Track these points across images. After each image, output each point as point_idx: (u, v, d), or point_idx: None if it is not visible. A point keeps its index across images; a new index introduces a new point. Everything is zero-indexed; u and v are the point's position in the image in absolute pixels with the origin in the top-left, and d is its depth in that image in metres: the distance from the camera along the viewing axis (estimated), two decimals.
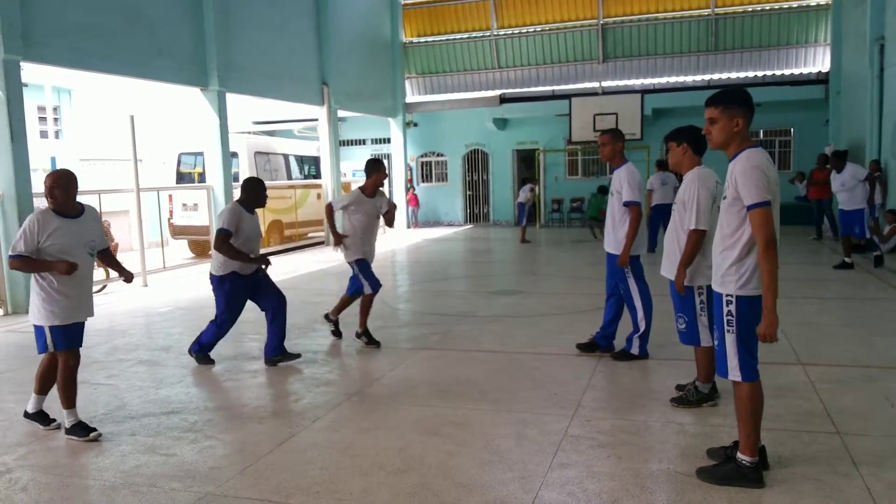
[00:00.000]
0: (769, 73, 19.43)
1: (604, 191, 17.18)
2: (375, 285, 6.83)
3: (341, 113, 18.42)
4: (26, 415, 4.82)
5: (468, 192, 22.76)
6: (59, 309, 4.50)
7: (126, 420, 4.91)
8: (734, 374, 3.58)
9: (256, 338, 7.31)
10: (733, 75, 19.77)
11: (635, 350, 6.00)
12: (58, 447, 4.47)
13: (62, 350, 4.56)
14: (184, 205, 15.24)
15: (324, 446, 4.36)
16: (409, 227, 21.64)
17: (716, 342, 3.68)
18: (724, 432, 4.27)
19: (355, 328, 6.94)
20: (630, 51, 20.75)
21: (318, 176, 18.23)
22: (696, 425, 4.50)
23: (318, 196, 17.78)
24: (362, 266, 6.84)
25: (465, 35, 22.09)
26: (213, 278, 6.18)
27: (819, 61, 19.11)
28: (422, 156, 23.00)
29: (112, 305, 9.63)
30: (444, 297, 9.65)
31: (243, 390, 5.63)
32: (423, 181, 23.13)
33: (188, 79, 12.48)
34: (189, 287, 11.09)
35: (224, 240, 5.87)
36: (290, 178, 17.43)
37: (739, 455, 3.61)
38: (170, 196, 15.30)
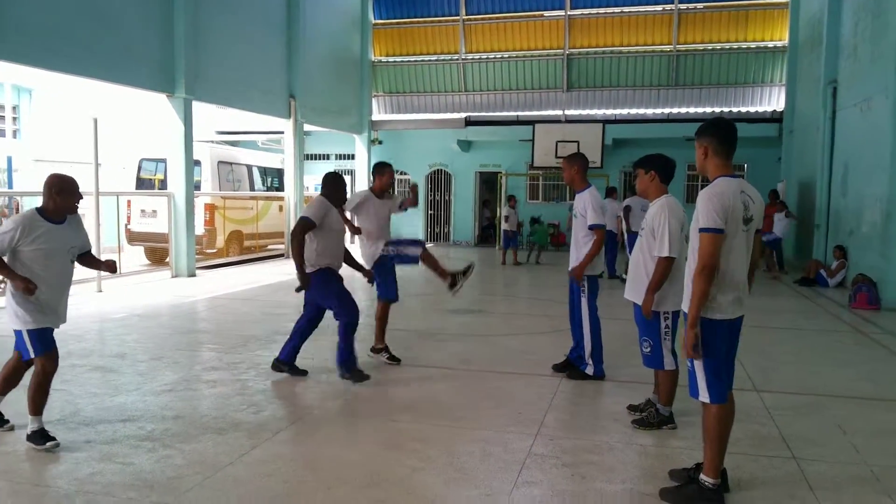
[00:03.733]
0: (726, 109, 20.02)
1: (535, 221, 17.91)
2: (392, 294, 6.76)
3: (307, 127, 18.35)
4: None
5: (430, 212, 22.82)
6: (33, 313, 4.38)
7: (80, 427, 4.77)
8: (703, 395, 3.66)
9: (214, 347, 7.19)
10: (692, 110, 20.32)
11: (590, 371, 6.08)
12: (9, 451, 4.32)
13: (39, 355, 4.44)
14: (142, 211, 14.95)
15: (286, 459, 4.30)
16: None
17: (688, 364, 3.76)
18: (685, 454, 4.35)
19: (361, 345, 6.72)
20: (593, 81, 21.17)
21: (280, 188, 18.10)
22: (657, 447, 4.57)
23: (280, 208, 17.63)
24: (379, 267, 6.68)
25: (434, 57, 22.27)
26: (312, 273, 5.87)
27: (774, 100, 19.77)
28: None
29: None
30: (403, 315, 9.62)
31: (202, 400, 5.52)
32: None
33: (155, 84, 12.30)
34: (145, 294, 10.86)
35: (303, 229, 5.72)
36: (252, 189, 17.26)
37: (702, 477, 3.68)
38: (128, 202, 15.00)
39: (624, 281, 12.17)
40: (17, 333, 4.47)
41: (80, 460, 4.18)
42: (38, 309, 4.41)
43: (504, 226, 16.49)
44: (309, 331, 6.22)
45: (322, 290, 5.93)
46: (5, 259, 4.34)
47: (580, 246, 5.96)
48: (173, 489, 3.82)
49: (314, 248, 5.84)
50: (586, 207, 5.89)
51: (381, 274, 6.67)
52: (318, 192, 6.10)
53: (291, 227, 16.96)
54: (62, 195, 4.46)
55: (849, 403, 5.55)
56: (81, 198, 4.64)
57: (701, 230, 3.50)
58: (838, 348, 7.66)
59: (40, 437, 4.40)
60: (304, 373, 6.20)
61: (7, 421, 4.65)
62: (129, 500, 3.67)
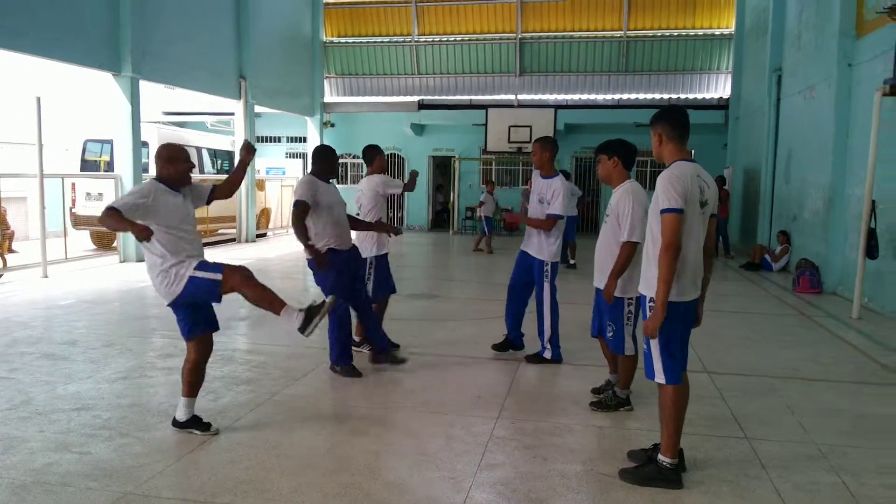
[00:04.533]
0: (675, 95, 20.43)
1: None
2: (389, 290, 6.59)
3: (258, 109, 18.04)
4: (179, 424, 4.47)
5: None
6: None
7: (33, 416, 4.64)
8: (659, 376, 3.76)
9: (167, 334, 7.05)
10: (641, 96, 20.67)
11: (548, 354, 6.18)
12: None
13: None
14: (87, 194, 14.50)
15: (248, 445, 4.26)
16: None
17: (643, 345, 3.85)
18: (642, 435, 4.47)
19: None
20: (545, 66, 21.32)
21: (230, 171, 17.75)
22: (615, 428, 4.68)
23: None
24: (381, 264, 6.51)
25: (387, 39, 22.10)
26: (310, 262, 5.56)
27: (721, 87, 20.25)
28: (338, 157, 22.76)
29: (10, 295, 9.06)
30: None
31: (158, 387, 5.42)
32: (338, 183, 22.86)
33: (100, 63, 11.90)
34: (92, 279, 10.57)
35: (301, 214, 5.43)
36: (202, 172, 16.90)
37: (660, 457, 3.79)
38: (73, 184, 14.53)
39: (569, 267, 12.44)
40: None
41: (35, 450, 4.07)
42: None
43: (480, 211, 16.36)
44: (357, 310, 5.88)
45: (319, 275, 5.65)
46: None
47: (542, 231, 6.00)
48: (134, 478, 3.76)
49: (312, 230, 5.56)
50: (555, 196, 5.91)
51: (384, 269, 6.56)
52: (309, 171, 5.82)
53: (242, 209, 16.80)
54: (173, 163, 4.31)
55: (796, 384, 5.77)
56: (193, 165, 4.52)
57: (663, 211, 3.57)
58: (784, 331, 7.94)
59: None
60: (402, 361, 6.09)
61: (208, 424, 4.50)
62: (88, 490, 3.60)
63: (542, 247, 6.01)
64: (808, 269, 10.61)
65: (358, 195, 6.68)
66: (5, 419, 4.56)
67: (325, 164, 5.70)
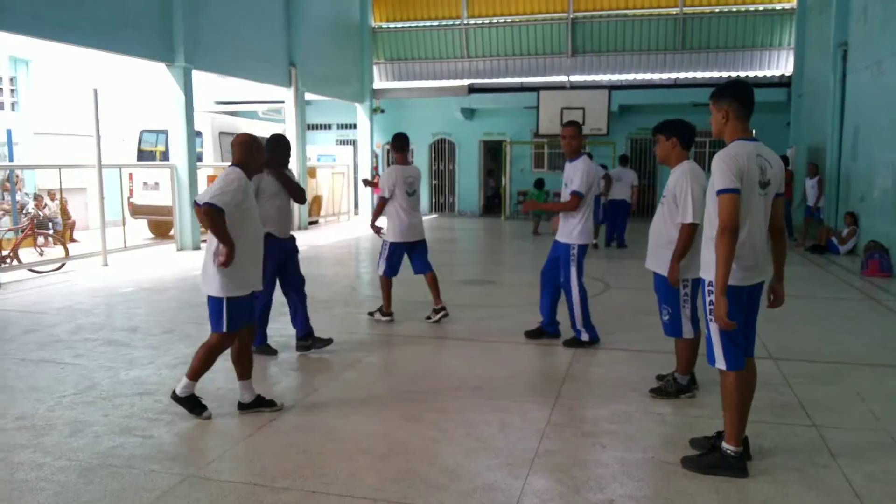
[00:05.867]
0: (734, 73, 19.76)
1: (540, 184, 17.33)
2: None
3: (308, 96, 18.14)
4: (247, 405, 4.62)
5: (434, 182, 22.69)
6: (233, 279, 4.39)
7: (98, 401, 4.76)
8: (720, 362, 3.63)
9: None
10: (699, 74, 20.05)
11: (585, 337, 6.10)
12: (29, 426, 4.30)
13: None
14: (145, 183, 14.83)
15: (305, 430, 4.29)
16: None
17: (705, 330, 3.72)
18: (704, 423, 4.34)
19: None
20: (599, 46, 20.88)
21: None
22: (676, 415, 4.56)
23: None
24: (396, 249, 7.09)
25: (436, 22, 21.94)
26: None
27: (783, 64, 19.52)
28: (388, 143, 22.81)
29: (72, 284, 9.34)
30: (413, 286, 9.58)
31: (217, 373, 5.45)
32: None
33: (154, 53, 12.11)
34: (150, 267, 10.82)
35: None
36: None
37: (724, 445, 3.66)
38: (130, 174, 14.88)
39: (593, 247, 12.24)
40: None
41: (100, 434, 4.17)
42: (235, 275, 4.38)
43: None
44: (287, 295, 6.08)
45: None
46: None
47: (569, 214, 5.94)
48: (195, 461, 3.82)
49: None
50: (577, 174, 5.86)
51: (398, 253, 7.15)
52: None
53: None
54: (261, 152, 4.52)
55: (865, 370, 5.53)
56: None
57: (719, 192, 3.43)
58: (852, 316, 7.63)
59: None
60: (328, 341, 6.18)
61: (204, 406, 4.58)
62: (152, 473, 3.66)
63: (564, 230, 5.93)
64: (877, 252, 10.18)
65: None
66: (72, 403, 4.68)
67: (280, 151, 5.78)
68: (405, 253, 7.14)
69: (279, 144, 5.79)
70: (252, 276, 4.51)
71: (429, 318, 7.13)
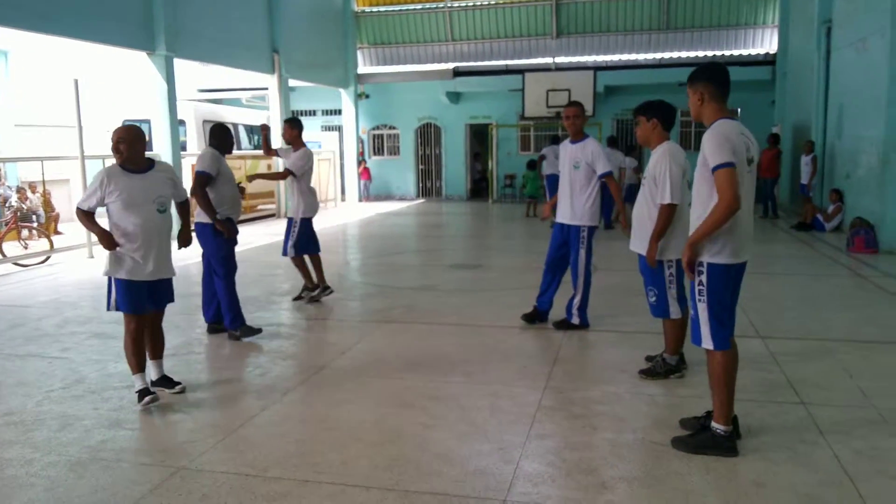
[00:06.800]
0: (718, 52, 19.77)
1: (532, 166, 17.17)
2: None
3: (292, 82, 17.99)
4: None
5: (421, 167, 22.62)
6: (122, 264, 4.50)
7: (87, 394, 4.73)
8: (706, 342, 3.65)
9: None
10: (684, 54, 20.04)
11: (576, 320, 6.11)
12: (17, 422, 4.27)
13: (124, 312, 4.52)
14: None
15: (297, 420, 4.29)
16: (360, 200, 21.44)
17: (691, 311, 3.73)
18: (694, 403, 4.36)
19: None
20: (583, 27, 20.81)
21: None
22: (666, 396, 4.59)
23: (269, 167, 17.38)
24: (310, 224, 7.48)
25: (419, 6, 21.77)
26: (203, 227, 5.96)
27: (767, 43, 19.54)
28: (374, 128, 22.73)
29: (58, 277, 9.26)
30: (402, 271, 9.60)
31: (205, 363, 5.49)
32: (374, 154, 22.88)
33: (135, 42, 11.96)
34: None
35: (203, 184, 5.82)
36: (239, 147, 17.01)
37: (714, 424, 3.69)
38: None
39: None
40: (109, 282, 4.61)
41: (90, 427, 4.15)
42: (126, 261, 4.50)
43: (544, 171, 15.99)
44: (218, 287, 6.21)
45: (212, 244, 5.98)
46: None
47: (576, 196, 5.89)
48: (187, 453, 3.80)
49: (211, 198, 5.90)
50: (595, 157, 5.80)
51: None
52: (207, 145, 6.18)
53: (280, 186, 16.88)
54: (124, 145, 4.43)
55: (853, 347, 5.58)
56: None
57: (716, 168, 3.42)
58: (839, 293, 7.69)
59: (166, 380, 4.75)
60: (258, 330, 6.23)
61: (179, 383, 4.77)
62: (143, 466, 3.65)
63: (576, 210, 5.89)
64: (862, 229, 10.25)
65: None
66: (60, 398, 4.65)
67: (225, 139, 6.11)
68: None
69: (226, 133, 6.17)
70: (145, 266, 4.54)
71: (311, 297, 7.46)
